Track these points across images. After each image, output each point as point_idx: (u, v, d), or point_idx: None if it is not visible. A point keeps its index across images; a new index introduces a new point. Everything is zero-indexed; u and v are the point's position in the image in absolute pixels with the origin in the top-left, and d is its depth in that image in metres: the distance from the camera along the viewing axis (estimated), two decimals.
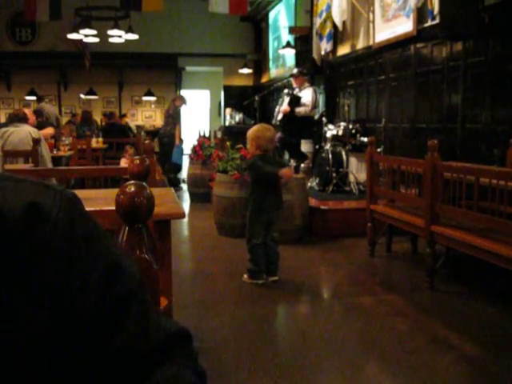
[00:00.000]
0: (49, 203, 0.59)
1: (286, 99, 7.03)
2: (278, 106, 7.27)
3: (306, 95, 7.01)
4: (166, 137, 8.91)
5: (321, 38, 8.02)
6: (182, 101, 9.15)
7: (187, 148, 9.52)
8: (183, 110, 9.67)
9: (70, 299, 0.58)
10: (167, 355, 0.67)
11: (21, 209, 0.56)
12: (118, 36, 10.11)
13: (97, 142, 8.43)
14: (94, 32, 9.69)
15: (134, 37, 10.15)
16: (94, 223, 0.64)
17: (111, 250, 0.65)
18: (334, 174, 6.06)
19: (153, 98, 14.78)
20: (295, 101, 6.93)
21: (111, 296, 0.62)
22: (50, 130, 7.18)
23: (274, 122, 7.32)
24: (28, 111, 5.95)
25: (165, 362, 0.67)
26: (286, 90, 7.26)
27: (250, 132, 3.83)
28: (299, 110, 6.92)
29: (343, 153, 6.16)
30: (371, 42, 7.08)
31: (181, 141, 9.30)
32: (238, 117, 10.27)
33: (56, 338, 0.58)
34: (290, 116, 6.92)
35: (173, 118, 8.93)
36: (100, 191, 2.67)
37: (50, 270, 0.57)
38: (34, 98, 13.37)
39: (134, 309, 0.63)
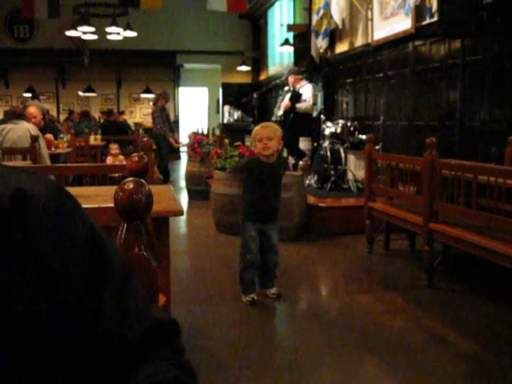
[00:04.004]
0: (37, 191, 0.59)
1: (287, 96, 7.03)
2: (277, 104, 7.27)
3: (306, 91, 7.02)
4: (156, 137, 8.70)
5: (317, 34, 8.03)
6: (165, 99, 8.92)
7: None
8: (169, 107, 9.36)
9: (57, 282, 0.59)
10: (153, 344, 0.68)
11: (10, 195, 0.57)
12: (117, 33, 10.09)
13: (95, 140, 8.41)
14: (93, 29, 9.66)
15: (132, 34, 10.14)
16: (82, 212, 0.65)
17: (97, 234, 0.65)
18: (332, 172, 6.06)
19: (151, 96, 14.74)
20: (296, 97, 6.93)
21: (94, 277, 0.62)
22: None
23: (274, 118, 7.32)
24: (35, 110, 5.77)
25: (150, 351, 0.67)
26: (286, 88, 7.26)
27: None
28: (300, 105, 6.92)
29: (341, 150, 6.16)
30: (369, 40, 7.09)
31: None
32: (237, 114, 10.25)
33: (46, 320, 0.58)
34: (290, 112, 6.92)
35: (163, 120, 8.74)
36: (98, 188, 2.67)
37: (38, 253, 0.57)
38: (31, 95, 13.33)
39: (115, 293, 0.64)
